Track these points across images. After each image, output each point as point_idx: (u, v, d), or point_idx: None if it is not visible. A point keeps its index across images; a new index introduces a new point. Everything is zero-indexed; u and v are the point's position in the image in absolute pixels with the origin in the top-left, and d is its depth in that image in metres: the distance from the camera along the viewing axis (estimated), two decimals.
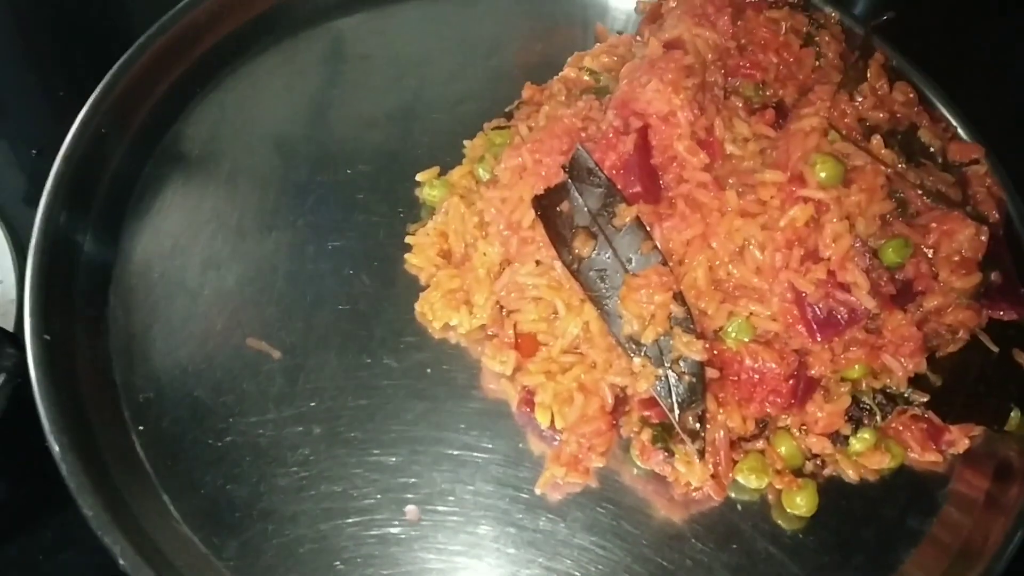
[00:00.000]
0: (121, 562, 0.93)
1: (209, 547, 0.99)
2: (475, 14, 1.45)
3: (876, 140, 1.09)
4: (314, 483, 1.04)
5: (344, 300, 1.16)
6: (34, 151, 1.41)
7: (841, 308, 1.02)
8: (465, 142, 1.28)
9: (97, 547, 0.95)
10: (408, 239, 1.20)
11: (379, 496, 1.04)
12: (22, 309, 1.11)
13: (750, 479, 1.05)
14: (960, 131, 1.28)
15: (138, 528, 0.97)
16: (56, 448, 0.98)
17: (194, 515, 1.01)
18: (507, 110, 1.29)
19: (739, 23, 1.23)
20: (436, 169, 1.25)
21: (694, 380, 1.01)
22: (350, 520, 1.02)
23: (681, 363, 1.02)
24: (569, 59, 1.31)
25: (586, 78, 1.25)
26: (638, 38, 1.29)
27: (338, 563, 0.99)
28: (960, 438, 1.09)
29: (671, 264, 1.05)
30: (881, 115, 1.14)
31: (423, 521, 1.03)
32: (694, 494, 1.06)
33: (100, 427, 1.03)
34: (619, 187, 1.06)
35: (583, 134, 1.13)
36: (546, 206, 1.08)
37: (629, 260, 1.05)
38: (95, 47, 1.50)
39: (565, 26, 1.46)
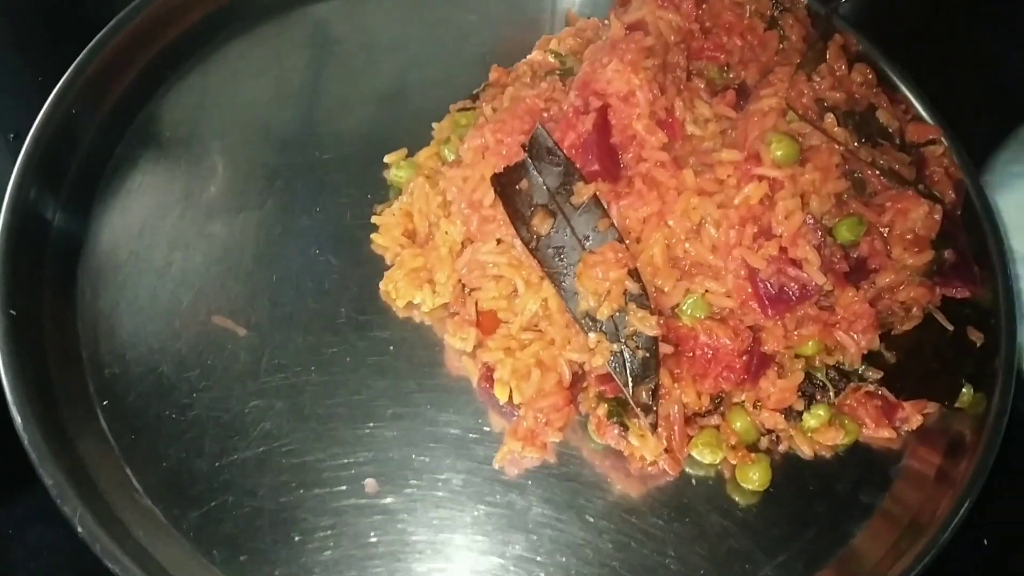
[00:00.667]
0: (80, 530, 0.95)
1: (169, 518, 1.01)
2: (448, 1, 1.47)
3: (829, 119, 1.10)
4: (275, 457, 1.06)
5: (309, 279, 1.18)
6: (11, 135, 1.42)
7: (792, 284, 1.03)
8: (433, 124, 1.29)
9: (67, 521, 0.97)
10: (374, 219, 1.22)
11: (339, 470, 1.05)
12: None
13: (704, 454, 1.07)
14: (921, 111, 1.29)
15: (99, 498, 0.99)
16: (19, 419, 1.00)
17: (156, 487, 1.03)
18: (474, 92, 1.30)
19: (704, 6, 1.24)
20: (404, 151, 1.27)
21: (648, 355, 1.03)
22: (310, 493, 1.04)
23: (635, 338, 1.03)
24: (537, 42, 1.32)
25: (551, 60, 1.26)
26: (606, 22, 1.30)
27: (296, 535, 1.01)
28: (913, 414, 1.10)
29: (628, 242, 1.06)
30: (839, 95, 1.15)
31: (382, 494, 1.04)
32: (650, 469, 1.07)
33: (65, 401, 1.05)
34: (578, 165, 1.08)
35: (545, 115, 1.15)
36: (505, 184, 1.09)
37: (586, 237, 1.06)
38: (76, 32, 1.51)
39: (537, 11, 1.47)
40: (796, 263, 1.03)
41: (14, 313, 1.06)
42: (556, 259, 1.07)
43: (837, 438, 1.08)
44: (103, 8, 1.60)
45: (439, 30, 1.44)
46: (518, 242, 1.10)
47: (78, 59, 1.25)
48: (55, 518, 1.01)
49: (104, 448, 1.05)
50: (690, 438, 1.07)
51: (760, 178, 1.05)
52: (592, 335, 1.04)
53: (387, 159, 1.26)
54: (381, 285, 1.18)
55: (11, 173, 1.20)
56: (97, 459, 1.03)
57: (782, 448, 1.10)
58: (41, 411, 1.01)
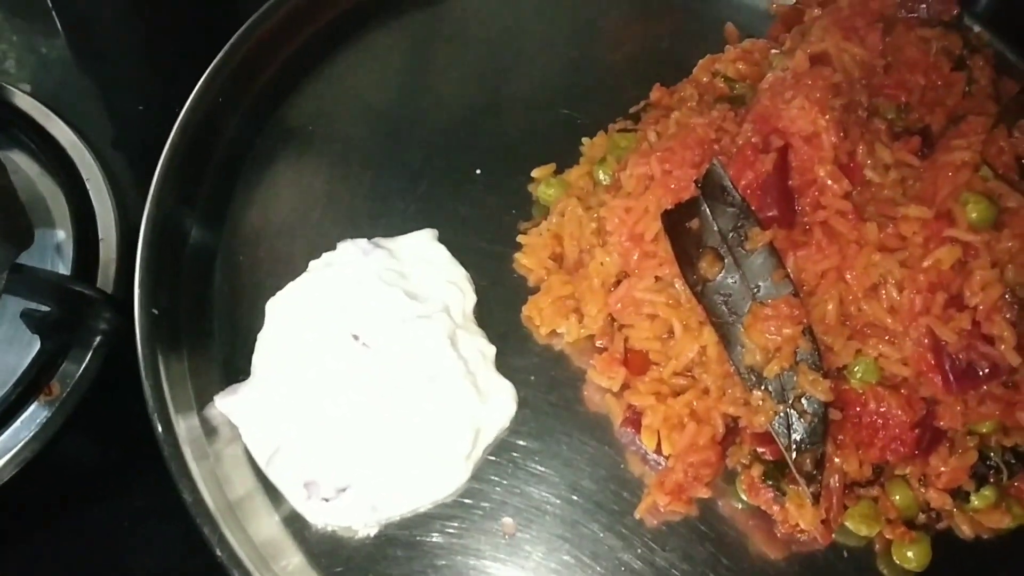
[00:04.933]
0: (218, 552, 0.92)
1: (297, 538, 0.98)
2: (601, 4, 1.39)
3: None
4: None
5: None
6: (140, 107, 1.39)
7: (983, 361, 0.96)
8: (583, 140, 1.23)
9: (184, 517, 0.96)
10: (520, 238, 1.17)
11: (473, 507, 1.01)
12: (124, 271, 1.12)
13: (860, 527, 1.00)
14: None
15: (235, 516, 0.96)
16: (159, 429, 0.97)
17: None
18: (632, 111, 1.24)
19: (887, 39, 1.16)
20: (552, 166, 1.21)
21: (816, 421, 0.97)
22: (443, 525, 1.00)
23: (804, 401, 0.97)
24: (700, 62, 1.25)
25: (720, 85, 1.19)
26: (774, 46, 1.22)
27: (429, 571, 0.98)
28: None
29: (801, 295, 0.99)
30: None
31: (518, 536, 1.00)
32: (798, 535, 1.02)
33: (201, 407, 1.03)
34: (753, 208, 1.01)
35: (716, 146, 1.08)
36: (675, 222, 1.03)
37: (757, 287, 1.00)
38: (210, 14, 1.48)
39: (693, 22, 1.39)
40: (988, 339, 0.95)
41: (156, 312, 1.03)
42: (722, 306, 1.01)
43: (1003, 522, 1.01)
44: None
45: (589, 36, 1.37)
46: (678, 282, 1.04)
47: (225, 48, 1.21)
48: (170, 513, 1.00)
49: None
50: (846, 508, 1.01)
51: (953, 241, 0.97)
52: (756, 392, 0.98)
53: (535, 173, 1.21)
54: (524, 310, 1.13)
55: (141, 144, 1.19)
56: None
57: (940, 525, 1.03)
58: (180, 419, 0.99)
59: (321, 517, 0.98)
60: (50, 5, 1.44)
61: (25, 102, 1.28)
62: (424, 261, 1.11)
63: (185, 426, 0.99)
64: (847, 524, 1.01)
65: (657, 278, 1.06)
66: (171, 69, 1.41)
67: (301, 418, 1.00)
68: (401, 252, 1.11)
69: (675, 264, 1.03)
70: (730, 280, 1.01)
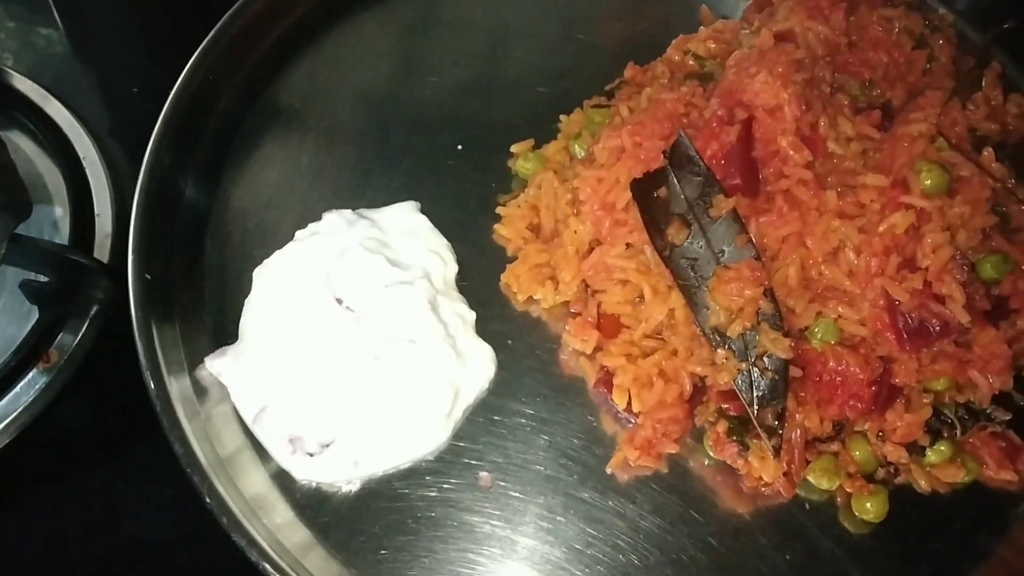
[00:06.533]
0: (207, 500, 0.96)
1: (284, 492, 1.03)
2: None
3: (988, 152, 1.06)
4: None
5: None
6: (135, 89, 1.43)
7: (934, 320, 1.01)
8: (561, 117, 1.28)
9: (178, 481, 1.00)
10: (499, 210, 1.21)
11: (453, 463, 1.06)
12: (120, 244, 1.16)
13: (821, 480, 1.05)
14: None
15: (224, 470, 1.01)
16: (152, 387, 1.01)
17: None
18: (607, 88, 1.29)
19: (851, 19, 1.20)
20: (531, 141, 1.26)
21: (777, 378, 1.01)
22: (424, 479, 1.05)
23: (765, 359, 1.02)
24: (673, 41, 1.29)
25: (691, 63, 1.24)
26: (745, 27, 1.27)
27: (410, 521, 1.02)
28: None
29: (764, 259, 1.04)
30: (993, 126, 1.12)
31: (494, 489, 1.05)
32: (763, 489, 1.06)
33: (192, 368, 1.07)
34: (718, 177, 1.06)
35: (684, 120, 1.13)
36: (644, 190, 1.08)
37: (721, 252, 1.04)
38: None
39: (669, 5, 1.44)
40: (939, 299, 1.00)
41: (149, 277, 1.08)
42: (689, 270, 1.06)
43: (958, 476, 1.06)
44: None
45: (566, 19, 1.42)
46: (648, 248, 1.09)
47: (217, 25, 1.26)
48: (164, 477, 1.05)
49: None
50: (808, 463, 1.06)
51: (907, 207, 1.02)
52: (720, 351, 1.03)
53: (514, 149, 1.26)
54: (503, 277, 1.17)
55: (132, 125, 1.23)
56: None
57: (898, 480, 1.08)
58: (172, 377, 1.03)
59: (305, 472, 1.02)
60: None
61: (24, 84, 1.33)
62: (406, 231, 1.16)
63: (177, 385, 1.04)
64: (809, 478, 1.06)
65: (628, 245, 1.11)
66: (165, 54, 1.44)
67: (287, 378, 1.04)
68: (384, 222, 1.16)
69: (644, 231, 1.08)
70: (696, 245, 1.06)
